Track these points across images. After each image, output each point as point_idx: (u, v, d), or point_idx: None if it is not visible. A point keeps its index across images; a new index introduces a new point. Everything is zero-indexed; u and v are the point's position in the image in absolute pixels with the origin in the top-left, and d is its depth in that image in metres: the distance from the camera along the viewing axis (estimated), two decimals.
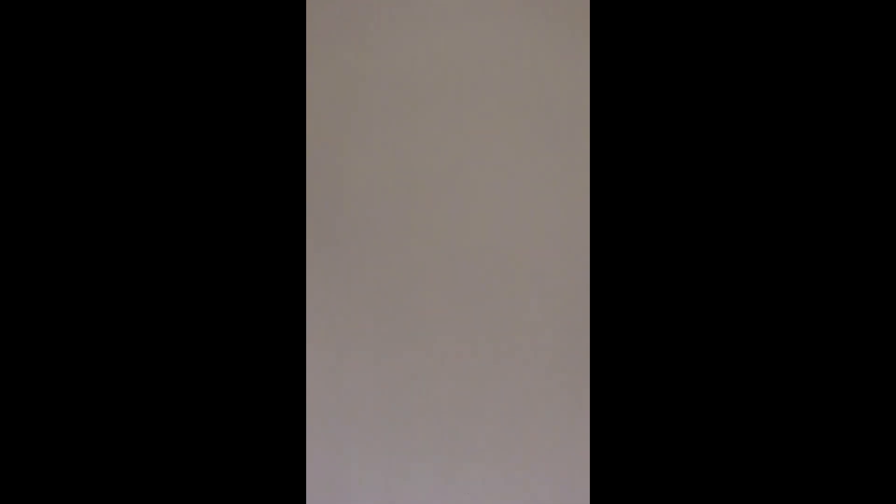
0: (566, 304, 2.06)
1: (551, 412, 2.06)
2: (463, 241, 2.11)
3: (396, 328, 2.13)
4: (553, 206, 2.07)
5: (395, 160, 2.14)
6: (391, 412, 2.13)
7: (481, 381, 2.09)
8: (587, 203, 2.05)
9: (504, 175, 2.09)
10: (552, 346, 2.06)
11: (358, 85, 2.16)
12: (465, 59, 2.12)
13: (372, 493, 2.13)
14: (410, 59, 2.14)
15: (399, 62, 2.15)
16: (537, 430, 2.07)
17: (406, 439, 2.12)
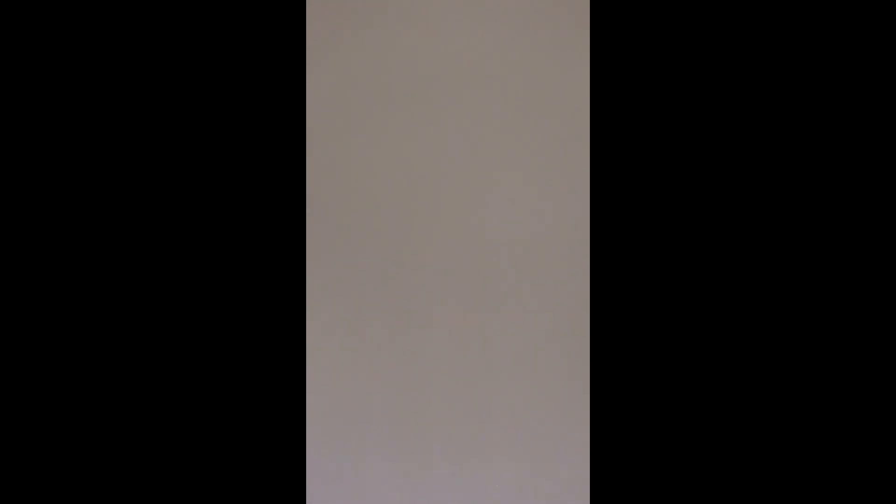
0: (567, 303, 2.06)
1: (552, 412, 2.06)
2: (463, 241, 2.11)
3: (397, 327, 2.13)
4: (553, 206, 2.07)
5: (396, 160, 2.14)
6: (391, 411, 2.13)
7: (482, 380, 2.09)
8: (587, 203, 2.05)
9: (504, 175, 2.09)
10: (553, 347, 2.06)
11: (358, 85, 2.16)
12: (465, 58, 2.12)
13: (372, 493, 2.13)
14: (411, 58, 2.14)
15: (399, 62, 2.15)
16: (538, 429, 2.07)
17: (407, 439, 2.12)
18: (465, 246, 2.10)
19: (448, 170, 2.11)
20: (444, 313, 2.11)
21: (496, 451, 2.08)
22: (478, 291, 2.10)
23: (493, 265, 2.09)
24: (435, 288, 2.11)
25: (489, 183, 2.10)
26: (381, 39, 2.16)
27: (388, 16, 2.16)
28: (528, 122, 2.08)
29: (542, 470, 2.07)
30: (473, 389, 2.09)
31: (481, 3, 2.11)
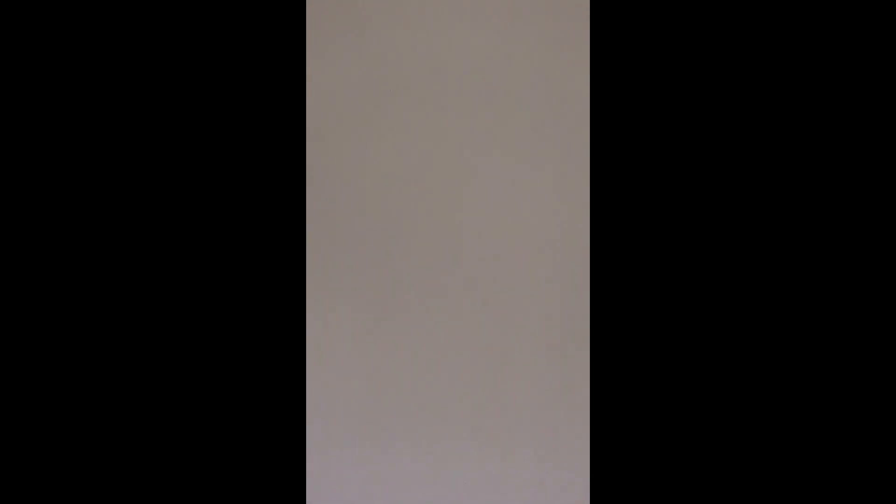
0: (567, 303, 2.06)
1: (552, 412, 2.06)
2: (463, 241, 2.11)
3: (397, 326, 2.13)
4: (553, 206, 2.07)
5: (396, 159, 2.14)
6: (392, 411, 2.13)
7: (482, 379, 2.09)
8: (587, 203, 2.05)
9: (504, 175, 2.09)
10: (553, 347, 2.06)
11: (358, 85, 2.16)
12: (465, 59, 2.12)
13: (372, 493, 2.13)
14: (411, 58, 2.14)
15: (399, 62, 2.15)
16: (538, 429, 2.07)
17: (408, 438, 2.12)
18: (465, 245, 2.11)
19: (448, 169, 2.12)
20: (445, 312, 2.11)
21: (497, 449, 2.08)
22: (478, 290, 2.10)
23: (493, 264, 2.09)
24: (436, 287, 2.11)
25: (490, 182, 2.10)
26: (381, 39, 2.16)
27: (387, 16, 2.16)
28: (528, 122, 2.09)
29: (542, 468, 2.07)
30: (474, 389, 2.10)
31: (482, 3, 2.11)
